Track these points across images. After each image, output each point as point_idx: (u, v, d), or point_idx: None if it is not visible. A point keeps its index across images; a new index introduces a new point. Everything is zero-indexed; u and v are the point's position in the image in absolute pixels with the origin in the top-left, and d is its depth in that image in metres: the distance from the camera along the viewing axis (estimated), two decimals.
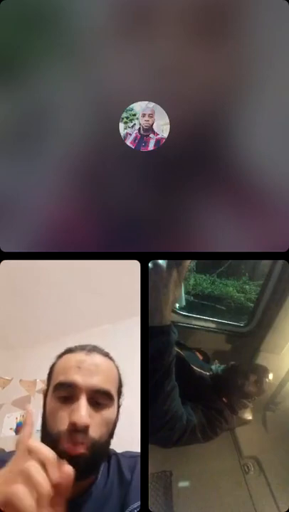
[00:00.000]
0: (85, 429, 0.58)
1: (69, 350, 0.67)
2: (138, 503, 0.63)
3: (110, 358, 0.68)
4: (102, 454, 0.63)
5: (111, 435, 0.64)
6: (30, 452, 0.52)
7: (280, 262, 1.08)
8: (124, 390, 0.70)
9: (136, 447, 0.73)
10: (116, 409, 0.65)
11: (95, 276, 1.49)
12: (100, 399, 0.61)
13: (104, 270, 1.42)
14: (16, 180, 0.89)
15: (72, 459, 0.56)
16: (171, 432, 0.85)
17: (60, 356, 0.67)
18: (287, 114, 0.88)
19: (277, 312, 1.14)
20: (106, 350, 0.70)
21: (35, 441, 0.53)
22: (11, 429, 1.62)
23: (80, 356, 0.65)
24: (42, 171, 0.89)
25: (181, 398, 0.85)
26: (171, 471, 1.11)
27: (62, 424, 0.59)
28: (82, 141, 0.88)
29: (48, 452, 0.52)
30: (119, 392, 0.67)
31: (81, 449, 0.58)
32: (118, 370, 0.68)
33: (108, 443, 0.64)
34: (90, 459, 0.59)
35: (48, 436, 0.60)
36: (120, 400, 0.68)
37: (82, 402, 0.60)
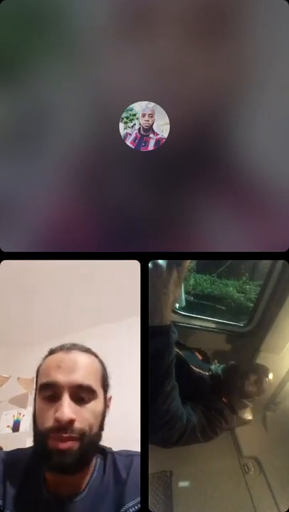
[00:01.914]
0: (69, 425, 0.60)
1: (51, 352, 0.68)
2: (133, 502, 0.63)
3: (92, 353, 0.69)
4: (94, 445, 0.64)
5: (101, 427, 0.65)
6: None
7: (280, 262, 1.08)
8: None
9: (136, 447, 0.73)
10: (102, 402, 0.66)
11: (95, 276, 1.49)
12: (82, 393, 0.63)
13: (104, 270, 1.42)
14: (16, 180, 0.89)
15: (61, 453, 0.59)
16: (171, 432, 0.86)
17: (44, 358, 0.69)
18: (287, 114, 0.88)
19: (277, 312, 1.14)
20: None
21: None
22: (8, 426, 1.63)
23: (59, 356, 0.66)
24: (42, 171, 0.89)
25: (181, 398, 0.85)
26: (171, 471, 1.11)
27: (49, 421, 0.61)
28: (82, 141, 0.88)
29: None
30: (105, 385, 0.68)
31: (69, 444, 0.60)
32: (102, 363, 0.69)
33: (99, 435, 0.65)
34: (81, 451, 0.60)
35: (38, 434, 0.62)
36: (108, 392, 0.68)
37: (65, 399, 0.61)
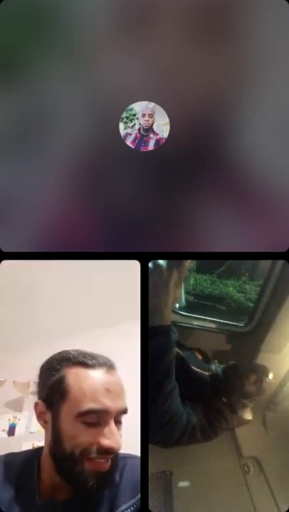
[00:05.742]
0: (117, 451, 0.60)
1: (84, 364, 0.63)
2: (127, 505, 0.63)
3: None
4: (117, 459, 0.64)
5: None
6: None
7: (280, 262, 1.08)
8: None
9: (136, 447, 0.73)
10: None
11: (95, 276, 1.49)
12: (120, 417, 0.62)
13: (104, 270, 1.42)
14: (16, 180, 0.89)
15: (100, 476, 0.59)
16: (171, 432, 0.85)
17: (65, 367, 0.63)
18: (287, 114, 0.88)
19: (277, 312, 1.14)
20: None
21: None
22: (3, 430, 1.62)
23: (103, 376, 0.62)
24: (42, 171, 0.89)
25: (181, 398, 0.85)
26: (171, 471, 1.11)
27: (89, 445, 0.59)
28: (82, 141, 0.88)
29: None
30: None
31: (107, 464, 0.60)
32: None
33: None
34: (113, 471, 0.61)
35: (68, 456, 0.59)
36: None
37: (113, 426, 0.60)
